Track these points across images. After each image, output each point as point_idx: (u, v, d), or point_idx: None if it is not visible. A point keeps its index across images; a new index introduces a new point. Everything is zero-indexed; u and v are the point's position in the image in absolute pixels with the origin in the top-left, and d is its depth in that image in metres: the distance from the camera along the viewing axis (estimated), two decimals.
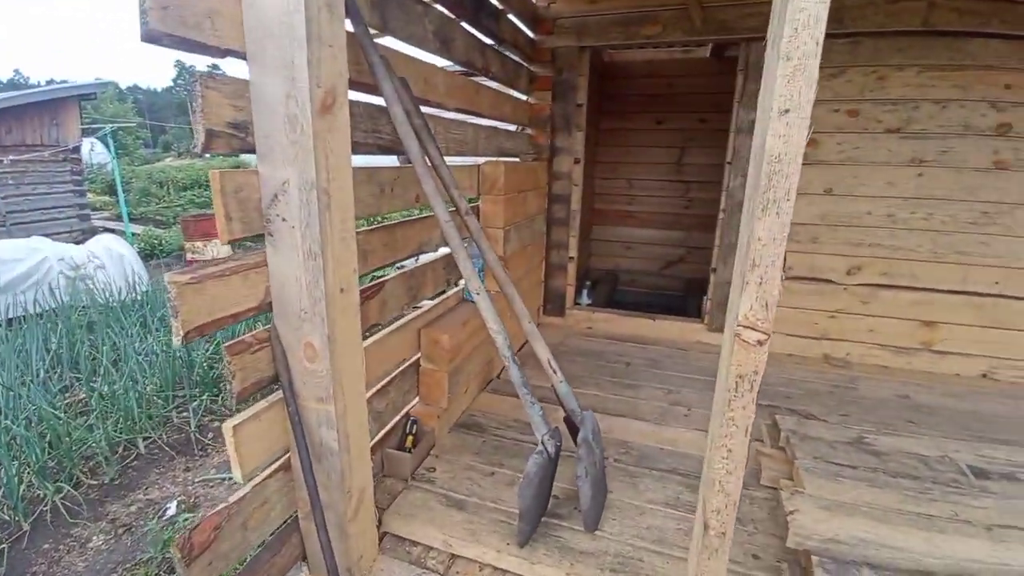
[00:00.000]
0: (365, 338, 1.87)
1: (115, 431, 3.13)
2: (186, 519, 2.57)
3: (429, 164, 1.76)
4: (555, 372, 1.72)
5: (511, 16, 2.98)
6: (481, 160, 2.69)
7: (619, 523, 1.75)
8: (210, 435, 3.29)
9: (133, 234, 9.31)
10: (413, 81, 1.94)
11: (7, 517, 2.52)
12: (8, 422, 2.95)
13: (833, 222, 3.18)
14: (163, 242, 9.18)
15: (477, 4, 2.51)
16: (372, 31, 1.75)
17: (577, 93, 3.50)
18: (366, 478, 1.55)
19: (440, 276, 2.35)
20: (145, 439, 3.19)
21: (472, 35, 2.51)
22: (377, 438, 1.95)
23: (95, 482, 2.85)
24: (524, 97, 3.46)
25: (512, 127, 3.35)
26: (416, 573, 1.64)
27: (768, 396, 2.68)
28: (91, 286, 5.46)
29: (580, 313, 3.82)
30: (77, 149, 10.03)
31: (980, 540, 1.50)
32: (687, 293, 4.71)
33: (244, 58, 1.24)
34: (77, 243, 6.72)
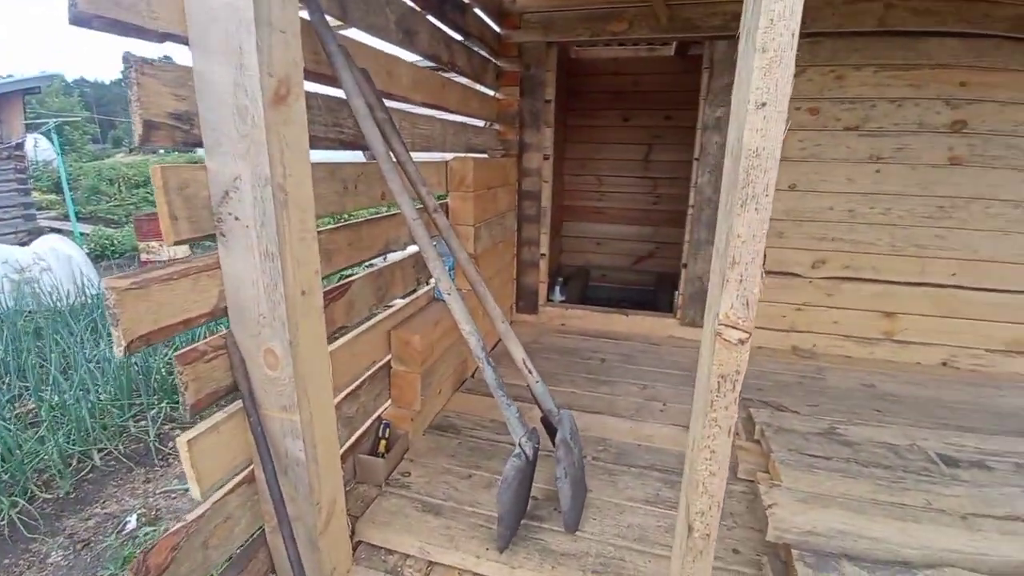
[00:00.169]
0: (332, 341, 1.79)
1: (68, 443, 2.95)
2: (147, 533, 2.44)
3: (394, 160, 1.69)
4: (530, 372, 1.68)
5: (476, 10, 2.92)
6: (449, 156, 2.62)
7: (600, 523, 1.73)
8: (170, 444, 3.13)
9: (82, 234, 8.84)
10: (376, 74, 1.86)
11: None
12: None
13: (797, 217, 3.23)
14: (115, 242, 8.73)
15: None
16: (331, 20, 1.66)
17: (545, 89, 3.46)
18: (336, 488, 1.48)
19: (410, 275, 2.27)
20: (100, 450, 3.02)
21: (437, 28, 2.44)
22: (348, 444, 1.87)
23: (50, 496, 2.69)
24: (492, 93, 3.40)
25: (480, 123, 3.29)
26: None
27: (744, 390, 2.70)
28: (37, 289, 5.15)
29: (553, 310, 3.79)
30: (21, 146, 9.47)
31: (956, 529, 1.53)
32: (658, 288, 4.76)
33: (187, 43, 1.14)
34: (22, 244, 6.34)
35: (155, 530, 2.45)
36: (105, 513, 2.62)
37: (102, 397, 3.31)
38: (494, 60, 3.32)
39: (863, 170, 3.11)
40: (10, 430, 2.86)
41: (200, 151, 1.24)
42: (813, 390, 2.80)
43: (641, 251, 5.15)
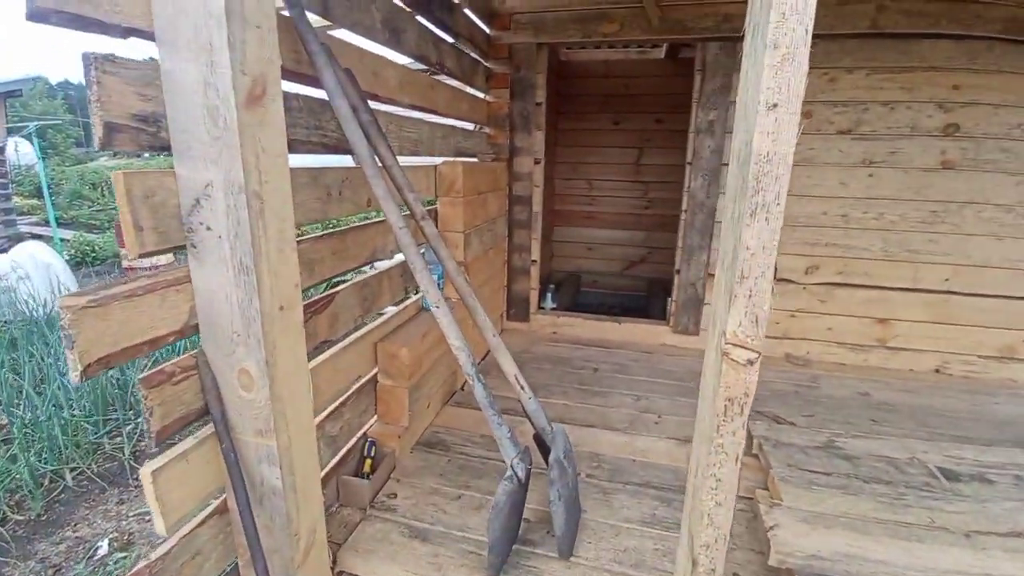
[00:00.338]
0: (315, 356, 1.71)
1: (40, 461, 2.82)
2: (118, 560, 2.31)
3: (380, 165, 1.61)
4: (523, 388, 1.60)
5: (466, 10, 2.85)
6: (438, 160, 2.55)
7: (595, 546, 1.65)
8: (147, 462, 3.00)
9: (62, 240, 8.62)
10: (361, 74, 1.78)
11: None
12: None
13: (791, 222, 3.20)
14: (96, 248, 8.51)
15: None
16: (314, 17, 1.58)
17: (536, 91, 3.40)
18: (316, 516, 1.39)
19: (398, 284, 2.19)
20: (73, 470, 2.89)
21: (425, 28, 2.37)
22: (331, 465, 1.78)
23: (22, 518, 2.56)
24: (482, 95, 3.33)
25: (470, 126, 3.22)
26: None
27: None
28: (13, 298, 4.98)
29: (545, 318, 3.72)
30: (2, 150, 9.22)
31: (960, 548, 1.48)
32: (649, 293, 4.72)
33: (153, 39, 1.06)
34: (2, 251, 6.14)
35: (126, 557, 2.33)
36: (76, 537, 2.49)
37: (76, 413, 3.18)
38: (484, 62, 3.26)
39: (856, 174, 3.08)
40: None
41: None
42: (808, 399, 2.75)
43: (633, 256, 5.11)
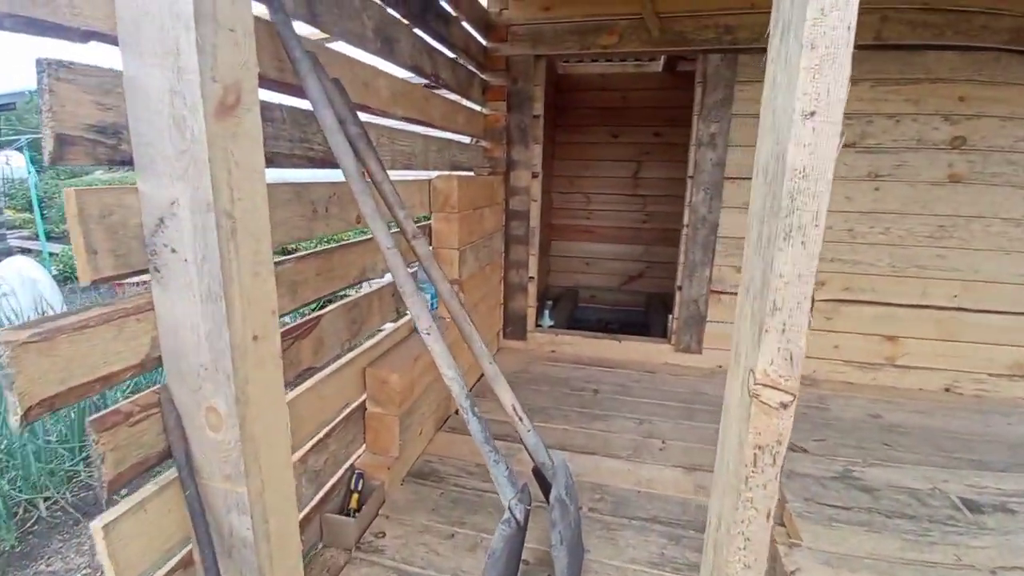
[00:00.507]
0: (299, 384, 1.59)
1: (14, 489, 2.66)
2: None
3: (368, 180, 1.51)
4: (521, 420, 1.48)
5: (462, 21, 2.77)
6: (433, 174, 2.45)
7: None
8: (124, 491, 2.85)
9: (51, 254, 8.45)
10: (351, 84, 1.69)
11: None
12: None
13: None
14: None
15: (423, 3, 2.28)
16: (300, 24, 1.49)
17: (533, 104, 3.32)
18: (293, 567, 1.26)
19: (388, 305, 2.08)
20: (47, 499, 2.73)
21: (420, 38, 2.28)
22: (313, 503, 1.65)
23: None
24: (478, 107, 3.25)
25: (466, 139, 3.13)
26: None
27: None
28: None
29: (543, 336, 3.60)
30: None
31: None
32: (648, 308, 4.62)
33: (116, 43, 0.96)
34: None
35: None
36: (50, 571, 2.34)
37: (51, 439, 3.02)
38: (480, 74, 3.18)
39: (862, 188, 3.01)
40: None
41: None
42: (818, 422, 2.64)
43: (631, 271, 5.02)
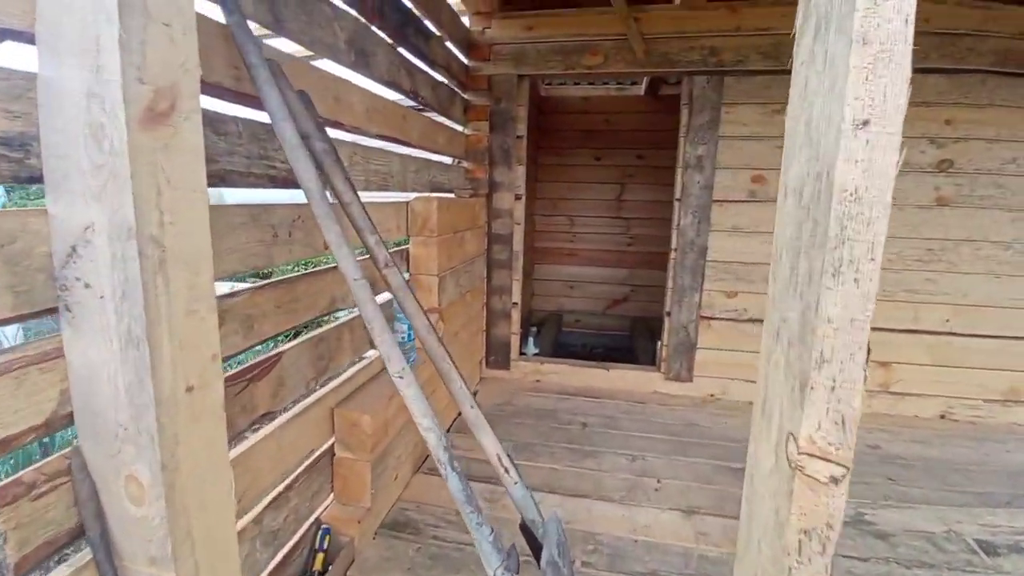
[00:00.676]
0: (253, 432, 1.40)
1: None
2: None
3: (334, 201, 1.35)
4: (507, 471, 1.31)
5: (443, 38, 2.66)
6: (411, 196, 2.30)
7: None
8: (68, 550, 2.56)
9: None
10: (320, 98, 1.54)
11: None
12: None
13: None
14: None
15: (402, 18, 2.16)
16: (260, 28, 1.35)
17: (516, 124, 3.22)
18: None
19: (361, 338, 1.90)
20: None
21: (398, 52, 2.15)
22: (270, 568, 1.44)
23: None
24: (459, 127, 3.13)
25: (447, 159, 3.00)
26: None
27: (740, 457, 2.39)
28: None
29: (527, 364, 3.44)
30: None
31: None
32: (633, 333, 4.51)
33: (33, 42, 0.80)
34: None
35: None
36: None
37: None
38: (462, 93, 3.07)
39: None
40: None
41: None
42: None
43: (616, 294, 4.92)
